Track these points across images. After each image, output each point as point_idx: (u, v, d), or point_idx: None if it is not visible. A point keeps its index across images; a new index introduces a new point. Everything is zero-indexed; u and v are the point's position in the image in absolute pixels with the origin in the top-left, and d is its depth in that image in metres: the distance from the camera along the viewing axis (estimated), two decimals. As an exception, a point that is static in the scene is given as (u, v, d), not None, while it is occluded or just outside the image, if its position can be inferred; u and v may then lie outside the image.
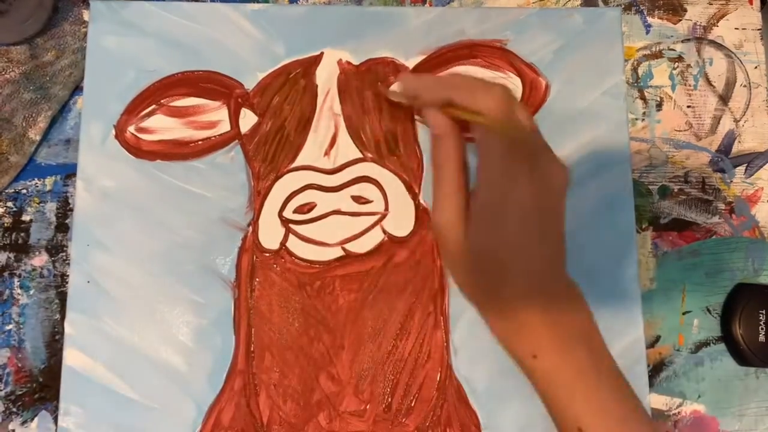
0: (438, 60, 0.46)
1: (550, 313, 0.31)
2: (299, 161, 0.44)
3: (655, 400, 0.44)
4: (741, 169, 0.47)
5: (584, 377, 0.31)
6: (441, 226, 0.32)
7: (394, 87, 0.42)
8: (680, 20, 0.49)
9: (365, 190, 0.44)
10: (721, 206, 0.47)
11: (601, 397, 0.31)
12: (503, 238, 0.30)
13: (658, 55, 0.49)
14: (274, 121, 0.45)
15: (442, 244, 0.33)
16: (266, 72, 0.46)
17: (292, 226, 0.43)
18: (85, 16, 0.48)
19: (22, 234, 0.45)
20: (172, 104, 0.45)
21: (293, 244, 0.43)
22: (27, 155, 0.46)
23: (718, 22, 0.49)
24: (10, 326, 0.44)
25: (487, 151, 0.30)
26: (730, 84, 0.49)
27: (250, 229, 0.44)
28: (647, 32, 0.49)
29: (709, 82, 0.49)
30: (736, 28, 0.49)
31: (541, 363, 0.31)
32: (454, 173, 0.32)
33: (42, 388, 0.43)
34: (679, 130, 0.48)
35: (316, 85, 0.45)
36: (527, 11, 0.47)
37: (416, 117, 0.45)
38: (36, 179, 0.46)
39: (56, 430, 0.41)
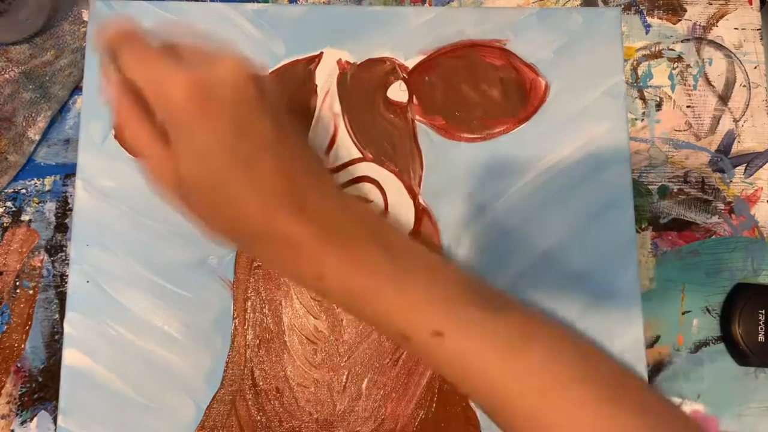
0: (438, 60, 0.46)
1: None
2: (299, 161, 0.44)
3: (655, 400, 0.44)
4: (740, 169, 0.48)
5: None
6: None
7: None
8: (680, 20, 0.49)
9: (365, 189, 0.44)
10: (721, 206, 0.47)
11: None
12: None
13: (657, 55, 0.49)
14: (273, 120, 0.45)
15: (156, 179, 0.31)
16: (266, 72, 0.46)
17: (291, 226, 0.43)
18: (85, 15, 0.48)
19: (22, 234, 0.45)
20: (171, 104, 0.45)
21: (293, 244, 0.43)
22: (26, 155, 0.46)
23: (717, 22, 0.49)
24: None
25: None
26: (729, 84, 0.49)
27: (250, 228, 0.44)
28: (647, 32, 0.49)
29: (708, 82, 0.49)
30: (735, 28, 0.49)
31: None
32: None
33: (41, 388, 0.43)
34: (679, 130, 0.48)
35: (316, 85, 0.45)
36: (527, 11, 0.47)
37: (417, 117, 0.45)
38: (35, 179, 0.46)
39: (55, 430, 0.41)
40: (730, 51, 0.49)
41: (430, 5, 0.49)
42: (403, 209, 0.44)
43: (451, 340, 0.30)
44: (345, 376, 0.42)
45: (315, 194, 0.31)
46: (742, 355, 0.44)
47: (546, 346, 0.31)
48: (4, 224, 0.45)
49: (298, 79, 0.46)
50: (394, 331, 0.31)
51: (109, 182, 0.44)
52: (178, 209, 0.32)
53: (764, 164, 0.48)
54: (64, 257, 0.45)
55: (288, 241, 0.30)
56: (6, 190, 0.45)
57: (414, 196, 0.44)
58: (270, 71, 0.46)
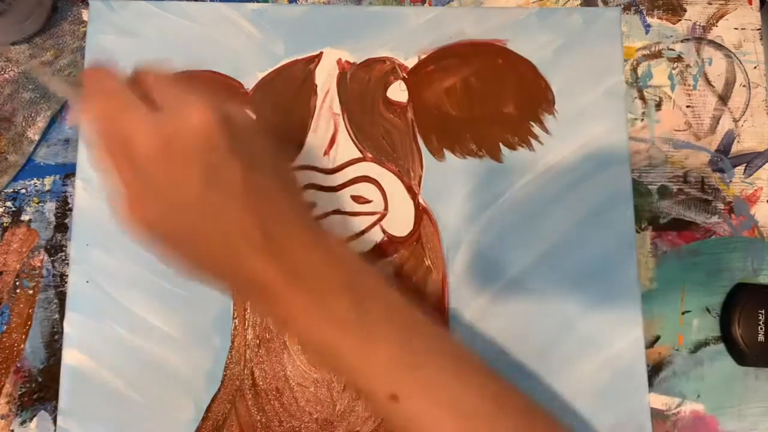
0: (437, 60, 0.46)
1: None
2: (299, 161, 0.44)
3: (655, 400, 0.44)
4: (740, 168, 0.48)
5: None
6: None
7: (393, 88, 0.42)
8: (680, 20, 0.49)
9: (365, 189, 0.44)
10: (721, 206, 0.47)
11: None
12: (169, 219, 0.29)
13: (657, 55, 0.49)
14: (273, 120, 0.45)
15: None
16: (266, 71, 0.46)
17: (291, 225, 0.43)
18: (84, 15, 0.48)
19: (22, 234, 0.45)
20: (171, 104, 0.45)
21: (293, 243, 0.43)
22: (26, 155, 0.46)
23: (717, 22, 0.49)
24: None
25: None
26: (729, 84, 0.49)
27: (250, 228, 0.44)
28: (647, 32, 0.49)
29: (708, 82, 0.49)
30: (735, 28, 0.49)
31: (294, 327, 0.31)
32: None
33: (41, 388, 0.43)
34: (679, 130, 0.48)
35: (316, 85, 0.45)
36: (527, 11, 0.47)
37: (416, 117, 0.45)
38: (35, 179, 0.46)
39: (55, 430, 0.41)
40: (730, 51, 0.49)
41: (430, 5, 0.49)
42: (403, 209, 0.44)
43: (405, 405, 0.29)
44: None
45: (286, 239, 0.30)
46: (741, 355, 0.44)
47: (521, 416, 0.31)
48: (4, 224, 0.45)
49: (298, 79, 0.46)
50: (353, 388, 0.30)
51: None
52: (149, 249, 0.32)
53: (764, 164, 0.48)
54: (64, 257, 0.45)
55: (257, 285, 0.30)
56: (6, 190, 0.45)
57: (414, 196, 0.44)
58: (269, 71, 0.46)
